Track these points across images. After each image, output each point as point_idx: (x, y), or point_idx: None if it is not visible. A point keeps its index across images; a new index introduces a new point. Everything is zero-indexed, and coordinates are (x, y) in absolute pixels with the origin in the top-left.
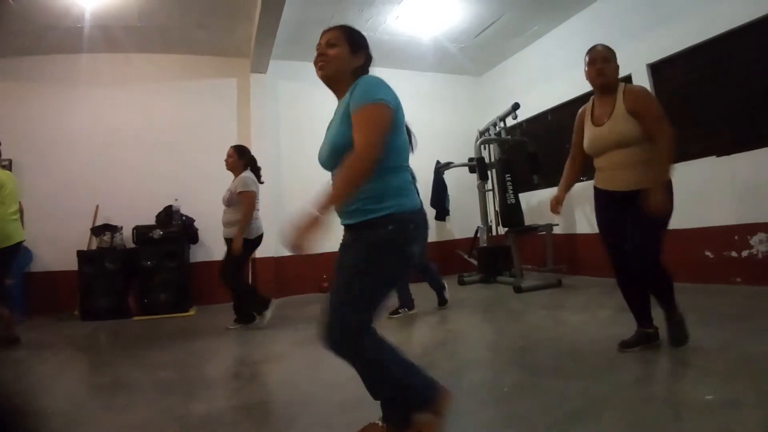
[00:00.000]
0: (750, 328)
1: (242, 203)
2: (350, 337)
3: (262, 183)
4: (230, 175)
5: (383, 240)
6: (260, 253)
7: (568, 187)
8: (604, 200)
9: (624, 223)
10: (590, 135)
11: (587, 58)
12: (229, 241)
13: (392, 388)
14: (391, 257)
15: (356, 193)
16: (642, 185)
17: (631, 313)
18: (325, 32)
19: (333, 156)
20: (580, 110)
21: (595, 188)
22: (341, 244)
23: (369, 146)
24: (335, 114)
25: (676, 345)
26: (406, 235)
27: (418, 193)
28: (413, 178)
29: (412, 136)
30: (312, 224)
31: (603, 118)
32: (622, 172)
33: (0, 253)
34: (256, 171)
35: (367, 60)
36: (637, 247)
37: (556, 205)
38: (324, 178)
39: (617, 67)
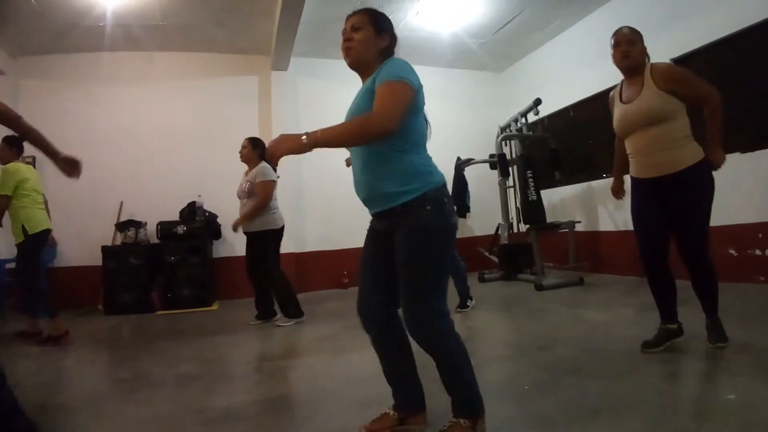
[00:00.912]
0: None
1: (260, 192)
2: (430, 329)
3: (278, 177)
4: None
5: (425, 223)
6: (281, 248)
7: (622, 172)
8: (638, 188)
9: (658, 212)
10: (619, 113)
11: (613, 41)
12: (252, 234)
13: (459, 387)
14: (438, 238)
15: (347, 143)
16: (677, 167)
17: (656, 309)
18: (349, 17)
19: None
20: (611, 93)
21: (632, 178)
22: (373, 231)
23: (385, 114)
24: (358, 93)
25: (716, 342)
26: (443, 211)
27: None
28: None
29: (429, 126)
30: (295, 140)
31: (631, 98)
32: (657, 154)
33: (29, 241)
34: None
35: (392, 41)
36: (690, 241)
37: (618, 192)
38: (346, 177)
39: (643, 49)
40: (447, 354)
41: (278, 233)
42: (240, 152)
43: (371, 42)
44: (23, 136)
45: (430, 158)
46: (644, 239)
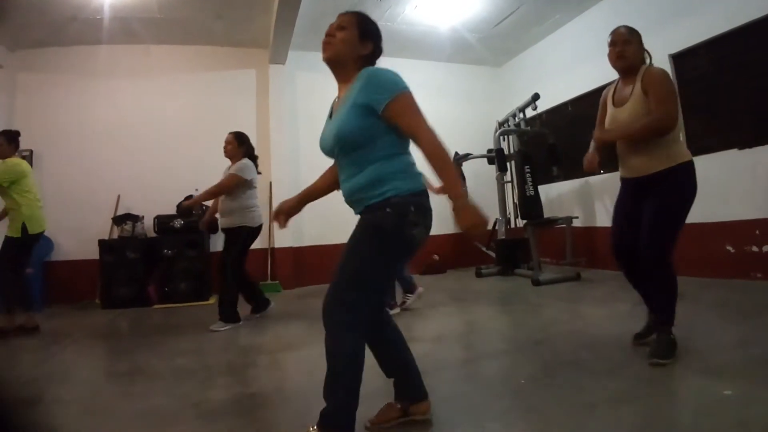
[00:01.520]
0: None
1: (224, 181)
2: (337, 314)
3: (259, 174)
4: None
5: (380, 221)
6: (278, 243)
7: (600, 149)
8: (622, 187)
9: (633, 211)
10: (609, 117)
11: (609, 40)
12: (228, 231)
13: (331, 391)
14: (388, 239)
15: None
16: (653, 169)
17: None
18: (339, 15)
19: (338, 143)
20: (605, 90)
21: (621, 178)
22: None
23: (430, 133)
24: (341, 102)
25: (653, 357)
26: (404, 217)
27: None
28: None
29: None
30: (475, 211)
31: (623, 100)
32: (637, 156)
33: (25, 239)
34: (254, 160)
35: (376, 51)
36: (647, 241)
37: (588, 162)
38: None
39: (640, 49)
40: (334, 353)
41: (254, 232)
42: (224, 147)
43: (352, 44)
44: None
45: (413, 164)
46: (615, 237)
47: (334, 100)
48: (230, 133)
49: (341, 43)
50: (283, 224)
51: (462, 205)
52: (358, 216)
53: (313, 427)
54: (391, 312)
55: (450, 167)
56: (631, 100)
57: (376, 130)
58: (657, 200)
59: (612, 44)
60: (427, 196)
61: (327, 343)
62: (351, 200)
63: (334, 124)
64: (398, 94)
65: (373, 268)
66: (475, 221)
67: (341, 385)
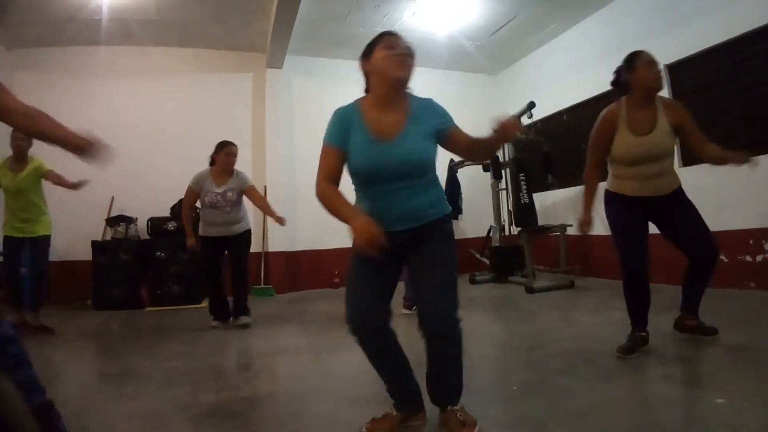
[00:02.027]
0: (762, 333)
1: (260, 196)
2: (456, 317)
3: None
4: None
5: (451, 233)
6: (272, 247)
7: (593, 200)
8: (628, 204)
9: (644, 226)
10: (629, 143)
11: (639, 61)
12: (244, 235)
13: (458, 374)
14: (454, 247)
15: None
16: (674, 186)
17: (631, 315)
18: (394, 35)
19: (412, 168)
20: (605, 114)
21: (617, 194)
22: (396, 244)
23: None
24: (400, 126)
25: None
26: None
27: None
28: None
29: None
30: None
31: (644, 128)
32: (658, 179)
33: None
34: None
35: None
36: (704, 233)
37: (585, 225)
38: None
39: None
40: (459, 346)
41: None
42: (232, 159)
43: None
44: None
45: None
46: (634, 252)
47: (364, 119)
48: (235, 145)
49: (413, 66)
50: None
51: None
52: (403, 231)
53: (456, 407)
54: (408, 312)
55: None
56: (659, 130)
57: (435, 154)
58: (687, 206)
59: (650, 64)
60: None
61: (451, 340)
62: (405, 218)
63: (404, 148)
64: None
65: (456, 270)
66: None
67: (461, 366)
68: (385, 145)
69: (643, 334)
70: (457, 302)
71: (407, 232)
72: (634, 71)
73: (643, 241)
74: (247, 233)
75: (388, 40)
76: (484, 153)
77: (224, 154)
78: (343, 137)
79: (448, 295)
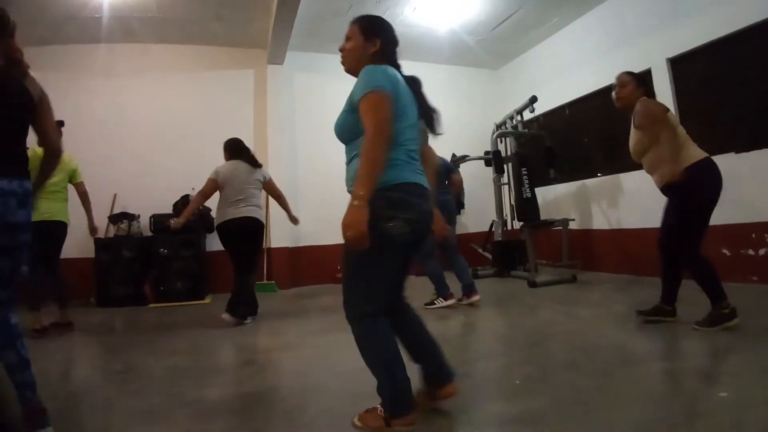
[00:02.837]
0: (764, 327)
1: (275, 188)
2: (351, 313)
3: None
4: None
5: (378, 216)
6: (275, 243)
7: None
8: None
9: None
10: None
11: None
12: (261, 225)
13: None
14: (373, 234)
15: (377, 173)
16: (660, 184)
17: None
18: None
19: (340, 134)
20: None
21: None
22: None
23: (375, 132)
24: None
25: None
26: (376, 212)
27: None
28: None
29: (435, 117)
30: (360, 214)
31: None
32: (657, 173)
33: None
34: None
35: (385, 43)
36: (664, 230)
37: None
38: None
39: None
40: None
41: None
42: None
43: (359, 50)
44: None
45: (402, 158)
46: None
47: None
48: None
49: (350, 53)
50: None
51: (351, 206)
52: None
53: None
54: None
55: (363, 167)
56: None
57: (359, 126)
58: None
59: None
60: (408, 190)
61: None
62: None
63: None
64: (363, 95)
65: (363, 264)
66: (347, 222)
67: (372, 367)
68: None
69: (666, 307)
70: (349, 300)
71: None
72: None
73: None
74: (261, 226)
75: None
76: None
77: None
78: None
79: (344, 292)
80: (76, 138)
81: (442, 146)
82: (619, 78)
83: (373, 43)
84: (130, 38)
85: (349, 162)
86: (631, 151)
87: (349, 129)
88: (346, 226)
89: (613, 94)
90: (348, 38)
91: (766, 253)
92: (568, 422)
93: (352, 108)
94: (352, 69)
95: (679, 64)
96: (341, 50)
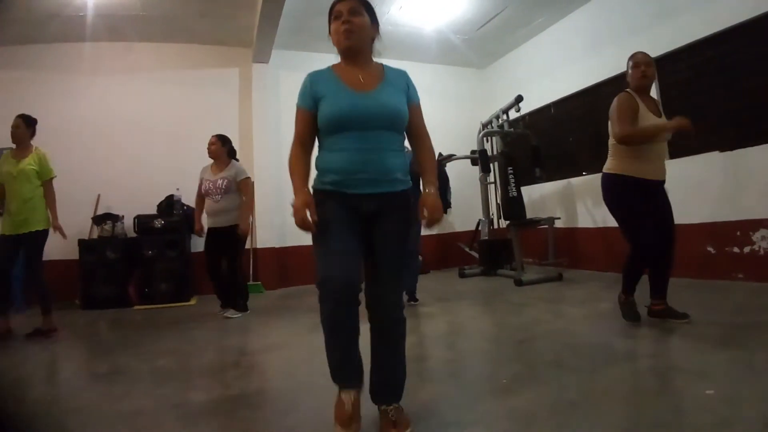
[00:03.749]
0: (751, 324)
1: (249, 190)
2: (403, 313)
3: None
4: None
5: (415, 208)
6: (262, 243)
7: None
8: (639, 187)
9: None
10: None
11: (632, 62)
12: (223, 229)
13: (404, 366)
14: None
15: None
16: (665, 176)
17: (629, 283)
18: (340, 1)
19: (392, 118)
20: (628, 99)
21: (629, 177)
22: (348, 208)
23: (428, 135)
24: (375, 83)
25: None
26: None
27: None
28: None
29: None
30: (439, 206)
31: (657, 111)
32: (663, 162)
33: (46, 232)
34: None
35: (379, 33)
36: (673, 230)
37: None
38: None
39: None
40: (404, 333)
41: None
42: (209, 148)
43: (368, 29)
44: None
45: None
46: (651, 235)
47: (338, 76)
48: (214, 135)
49: (361, 28)
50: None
51: (432, 194)
52: (367, 195)
53: (390, 407)
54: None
55: (433, 163)
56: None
57: (407, 116)
58: (667, 200)
59: (636, 65)
60: None
61: (394, 331)
62: (376, 180)
63: (386, 98)
64: (418, 102)
65: (407, 253)
66: (439, 207)
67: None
68: (363, 94)
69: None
70: (403, 284)
71: (375, 199)
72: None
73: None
74: (233, 228)
75: (336, 9)
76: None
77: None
78: (312, 99)
79: (397, 288)
80: (59, 137)
81: None
82: (646, 57)
83: (375, 27)
84: (114, 37)
85: (398, 154)
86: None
87: (405, 121)
88: (439, 210)
89: (642, 71)
90: (356, 12)
91: (752, 250)
92: (556, 420)
93: (406, 104)
94: (356, 46)
95: (663, 64)
96: (349, 22)
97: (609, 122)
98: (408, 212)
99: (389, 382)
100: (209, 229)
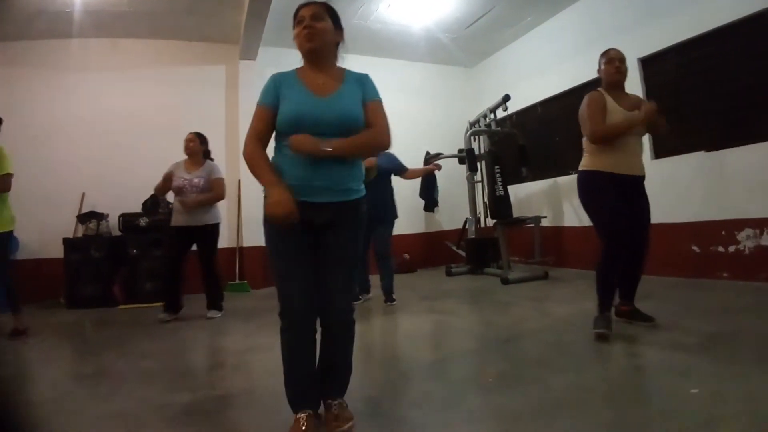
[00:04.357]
0: (735, 323)
1: (221, 188)
2: (353, 317)
3: None
4: None
5: (365, 218)
6: (247, 242)
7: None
8: (611, 182)
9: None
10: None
11: (606, 59)
12: (206, 228)
13: (350, 365)
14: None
15: (355, 155)
16: (643, 171)
17: (604, 297)
18: (305, 6)
19: (346, 124)
20: (596, 96)
21: (604, 173)
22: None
23: (388, 133)
24: (333, 87)
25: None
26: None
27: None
28: None
29: None
30: (316, 144)
31: (632, 108)
32: (635, 157)
33: (8, 234)
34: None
35: (343, 39)
36: (647, 228)
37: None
38: None
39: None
40: (353, 336)
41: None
42: (187, 145)
43: (332, 33)
44: None
45: None
46: (624, 229)
47: (300, 78)
48: (192, 132)
49: (324, 32)
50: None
51: (321, 143)
52: (319, 204)
53: (335, 402)
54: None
55: (357, 141)
56: (640, 109)
57: (363, 122)
58: (645, 198)
59: (610, 61)
60: None
61: (345, 335)
62: (329, 188)
63: (342, 103)
64: (378, 99)
65: (358, 261)
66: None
67: (351, 362)
68: (321, 99)
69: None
70: (354, 294)
71: (328, 208)
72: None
73: (629, 218)
74: (214, 227)
75: (299, 14)
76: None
77: (184, 141)
78: (275, 98)
79: (349, 294)
80: (44, 135)
81: (416, 144)
82: (620, 53)
83: (339, 33)
84: (100, 33)
85: (344, 163)
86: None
87: (360, 127)
88: (304, 143)
89: (616, 66)
90: (318, 17)
91: (736, 250)
92: (542, 419)
93: (361, 102)
94: (318, 50)
95: (649, 64)
96: (310, 26)
97: (580, 122)
98: (359, 220)
99: (335, 379)
100: (181, 228)
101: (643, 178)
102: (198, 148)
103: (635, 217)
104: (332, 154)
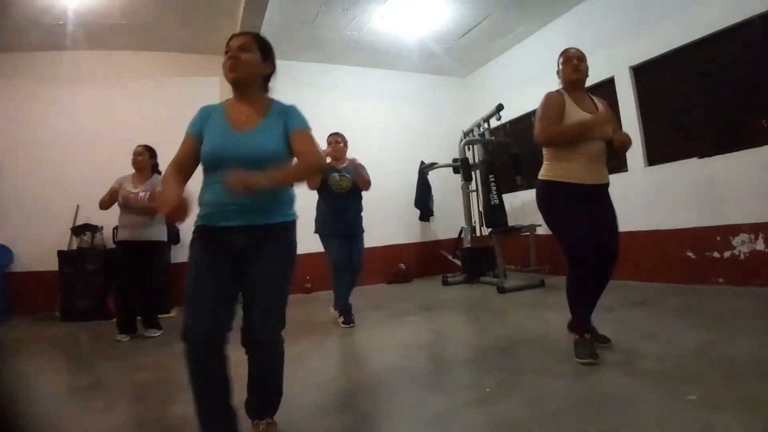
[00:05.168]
0: (732, 329)
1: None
2: (279, 339)
3: None
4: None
5: (294, 242)
6: None
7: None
8: (572, 192)
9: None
10: (580, 115)
11: (563, 58)
12: (149, 244)
13: (278, 387)
14: (295, 259)
15: (294, 183)
16: (607, 179)
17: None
18: (235, 36)
19: (262, 161)
20: (554, 96)
21: (563, 183)
22: (216, 247)
23: (321, 156)
24: (252, 121)
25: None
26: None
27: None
28: None
29: None
30: (254, 182)
31: (592, 110)
32: (599, 165)
33: None
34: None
35: (274, 71)
36: (616, 238)
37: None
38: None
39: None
40: (281, 363)
41: (165, 245)
42: (136, 159)
43: (257, 65)
44: None
45: None
46: (588, 242)
47: (225, 111)
48: (140, 145)
49: (248, 64)
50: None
51: (258, 179)
52: (244, 227)
53: (262, 421)
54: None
55: (292, 175)
56: (600, 111)
57: (286, 155)
58: (610, 206)
59: (568, 60)
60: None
61: (271, 360)
62: (243, 213)
63: (255, 138)
64: (306, 127)
65: (288, 287)
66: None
67: (280, 381)
68: (237, 134)
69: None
70: (283, 321)
71: (245, 232)
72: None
73: (591, 230)
74: (156, 244)
75: (229, 44)
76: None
77: (132, 154)
78: (199, 129)
79: (276, 316)
80: (38, 147)
81: (410, 154)
82: (576, 51)
83: (268, 65)
84: (93, 45)
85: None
86: (606, 129)
87: (282, 157)
88: (240, 183)
89: (574, 65)
90: (244, 49)
91: (732, 255)
92: (540, 429)
93: (285, 136)
94: (243, 79)
95: (641, 72)
96: (235, 57)
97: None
98: (285, 245)
99: (262, 400)
100: (125, 242)
101: (607, 185)
102: (147, 162)
103: (602, 227)
104: (268, 188)
